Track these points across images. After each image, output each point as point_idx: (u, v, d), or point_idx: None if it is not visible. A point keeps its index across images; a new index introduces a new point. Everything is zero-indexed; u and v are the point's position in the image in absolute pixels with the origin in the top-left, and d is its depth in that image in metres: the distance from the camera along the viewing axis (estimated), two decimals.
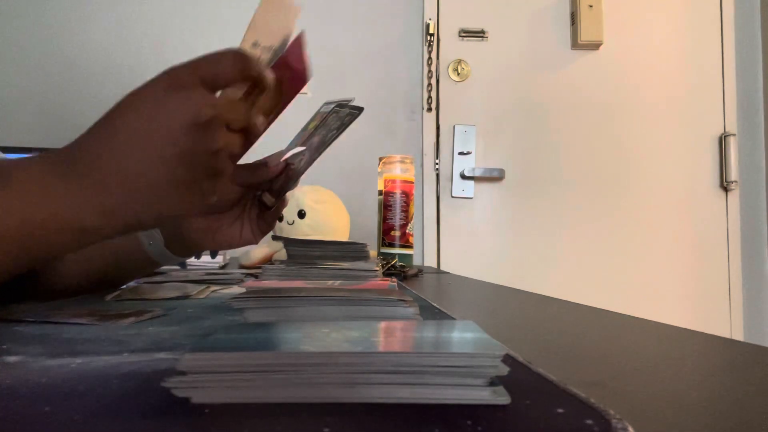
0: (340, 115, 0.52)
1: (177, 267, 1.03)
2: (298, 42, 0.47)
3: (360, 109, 0.52)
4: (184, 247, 0.64)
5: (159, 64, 0.40)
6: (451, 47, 1.91)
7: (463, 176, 1.87)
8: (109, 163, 0.37)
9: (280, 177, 0.57)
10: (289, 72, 0.47)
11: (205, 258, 1.19)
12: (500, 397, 0.21)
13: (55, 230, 0.36)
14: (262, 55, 0.45)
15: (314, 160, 0.57)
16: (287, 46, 0.48)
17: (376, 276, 0.58)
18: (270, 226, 0.61)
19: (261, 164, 0.56)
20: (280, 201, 0.60)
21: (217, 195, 0.41)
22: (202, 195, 0.40)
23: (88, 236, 0.38)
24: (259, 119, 0.42)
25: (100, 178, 0.36)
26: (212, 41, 1.82)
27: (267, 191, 0.59)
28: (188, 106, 0.37)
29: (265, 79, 0.41)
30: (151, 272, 0.77)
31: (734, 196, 1.94)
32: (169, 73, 0.38)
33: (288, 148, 0.56)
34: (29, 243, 0.36)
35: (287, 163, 0.56)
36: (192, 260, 1.17)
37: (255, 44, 0.44)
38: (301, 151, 0.54)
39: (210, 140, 0.38)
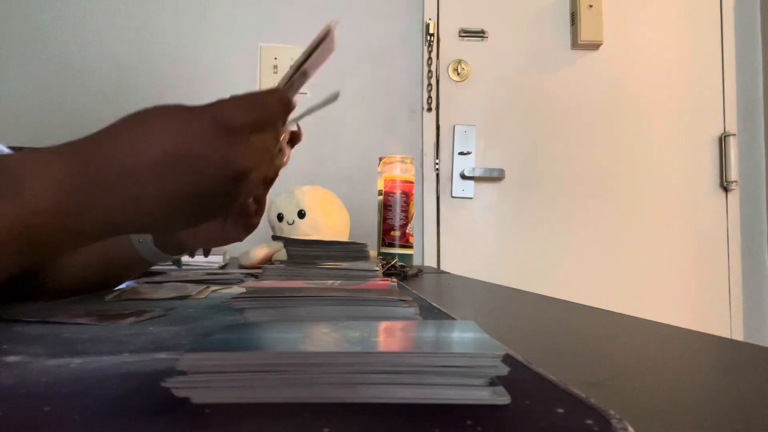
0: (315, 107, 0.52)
1: (174, 267, 1.03)
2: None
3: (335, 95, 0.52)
4: (171, 244, 0.64)
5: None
6: (451, 47, 1.91)
7: (463, 176, 1.87)
8: (127, 177, 0.35)
9: None
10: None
11: (199, 258, 1.19)
12: (500, 397, 0.21)
13: (60, 238, 0.36)
14: (296, 83, 0.45)
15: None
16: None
17: (376, 276, 0.58)
18: (254, 225, 0.61)
19: None
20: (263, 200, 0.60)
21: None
22: (208, 221, 0.39)
23: (83, 239, 0.37)
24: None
25: (113, 189, 0.35)
26: (216, 39, 1.82)
27: None
28: (231, 156, 0.36)
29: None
30: (145, 271, 0.77)
31: (734, 196, 1.94)
32: (221, 113, 0.36)
33: None
34: (31, 248, 0.36)
35: None
36: (192, 260, 1.17)
37: (303, 72, 0.44)
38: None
39: (240, 189, 0.37)
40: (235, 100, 0.38)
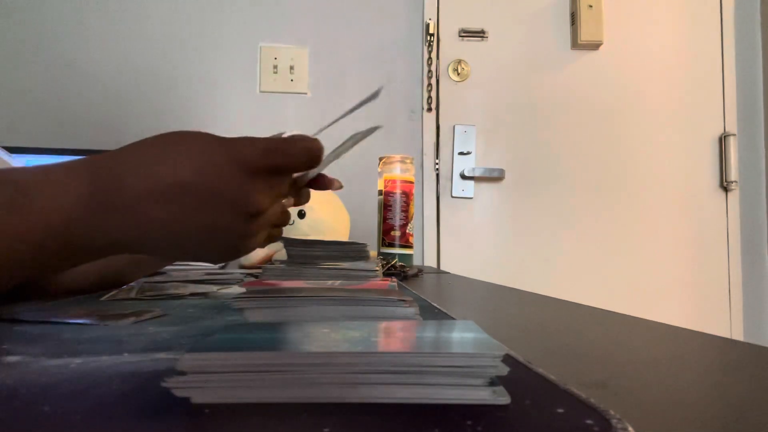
0: (356, 137, 0.52)
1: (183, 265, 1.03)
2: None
3: (375, 128, 0.52)
4: None
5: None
6: (451, 47, 1.91)
7: (463, 176, 1.87)
8: (141, 205, 0.35)
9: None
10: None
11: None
12: (500, 397, 0.21)
13: (65, 255, 0.36)
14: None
15: (323, 168, 0.57)
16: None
17: (376, 276, 0.58)
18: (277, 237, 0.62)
19: None
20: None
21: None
22: (218, 257, 0.39)
23: (92, 257, 0.38)
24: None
25: (125, 214, 0.35)
26: (218, 38, 1.82)
27: None
28: (250, 194, 0.36)
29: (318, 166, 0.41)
30: (161, 269, 0.78)
31: (734, 196, 1.94)
32: (243, 150, 0.36)
33: None
34: (33, 263, 0.35)
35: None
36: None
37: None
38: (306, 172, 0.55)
39: (254, 227, 0.37)
40: (262, 141, 0.37)
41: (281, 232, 0.51)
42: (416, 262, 1.78)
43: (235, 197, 0.36)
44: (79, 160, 0.36)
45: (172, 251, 0.38)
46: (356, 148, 0.56)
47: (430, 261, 1.86)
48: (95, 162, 0.36)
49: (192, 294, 0.65)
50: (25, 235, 0.34)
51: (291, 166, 0.38)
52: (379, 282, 0.53)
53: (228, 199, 0.35)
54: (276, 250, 1.22)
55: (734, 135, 1.94)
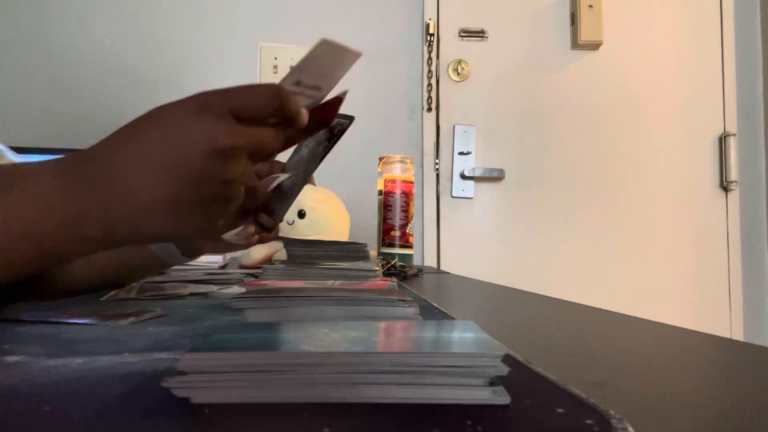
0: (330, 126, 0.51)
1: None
2: (339, 100, 0.47)
3: (350, 118, 0.52)
4: (192, 249, 0.65)
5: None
6: (451, 47, 1.91)
7: (463, 176, 1.87)
8: (118, 175, 0.36)
9: (272, 199, 0.57)
10: (318, 119, 0.47)
11: (204, 258, 1.19)
12: (500, 397, 0.21)
13: (57, 239, 0.36)
14: (305, 93, 0.44)
15: (310, 173, 0.56)
16: (328, 98, 0.48)
17: (376, 276, 0.58)
18: (272, 236, 0.62)
19: (248, 191, 0.56)
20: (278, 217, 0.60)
21: (223, 220, 0.41)
22: (206, 219, 0.39)
23: (88, 246, 0.38)
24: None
25: (107, 189, 0.36)
26: (218, 38, 1.82)
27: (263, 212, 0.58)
28: (211, 132, 0.36)
29: (299, 118, 0.41)
30: (161, 272, 0.78)
31: (734, 196, 1.94)
32: (200, 97, 0.38)
33: (285, 164, 0.56)
34: (30, 250, 0.36)
35: (277, 186, 0.55)
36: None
37: (298, 82, 0.42)
38: (287, 176, 0.54)
39: (225, 169, 0.37)
40: (222, 88, 0.38)
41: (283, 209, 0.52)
42: (416, 262, 1.78)
43: (202, 137, 0.36)
44: (59, 157, 0.38)
45: (163, 225, 0.38)
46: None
47: (430, 261, 1.86)
48: (77, 153, 0.38)
49: (192, 294, 0.64)
50: (18, 210, 0.35)
51: (255, 105, 0.39)
52: (379, 282, 0.53)
53: (196, 142, 0.36)
54: (276, 250, 1.22)
55: (734, 135, 1.94)
